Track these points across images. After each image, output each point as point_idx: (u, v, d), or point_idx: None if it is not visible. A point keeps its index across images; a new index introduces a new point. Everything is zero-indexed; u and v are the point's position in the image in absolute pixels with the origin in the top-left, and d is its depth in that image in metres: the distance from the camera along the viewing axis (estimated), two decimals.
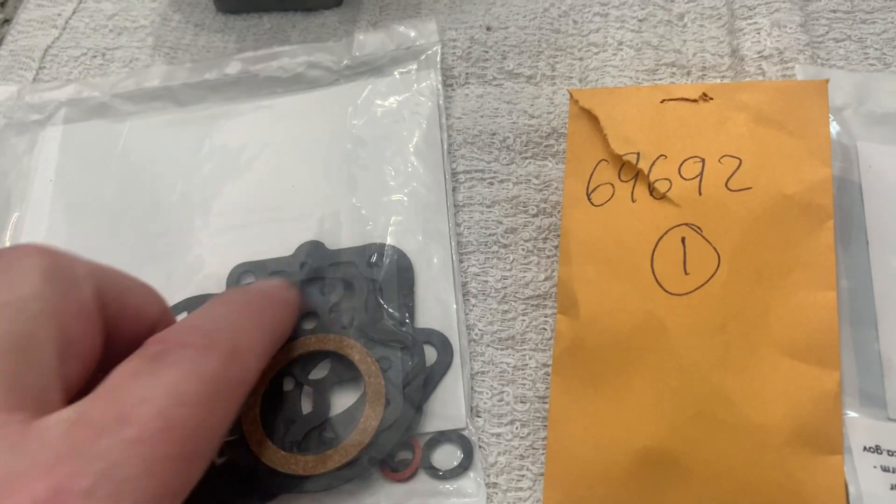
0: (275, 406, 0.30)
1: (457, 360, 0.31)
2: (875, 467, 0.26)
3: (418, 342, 0.31)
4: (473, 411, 0.30)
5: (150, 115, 0.39)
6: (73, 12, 0.44)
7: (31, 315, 0.21)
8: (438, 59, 0.38)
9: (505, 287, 0.33)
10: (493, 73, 0.38)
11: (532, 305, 0.32)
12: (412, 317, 0.32)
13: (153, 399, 0.20)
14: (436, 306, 0.32)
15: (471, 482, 0.29)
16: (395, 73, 0.38)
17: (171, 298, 0.33)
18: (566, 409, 0.29)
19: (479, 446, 0.29)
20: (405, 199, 0.34)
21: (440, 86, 0.37)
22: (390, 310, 0.32)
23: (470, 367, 0.31)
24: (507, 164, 0.35)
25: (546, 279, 0.33)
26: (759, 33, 0.36)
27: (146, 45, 0.42)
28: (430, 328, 0.31)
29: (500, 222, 0.34)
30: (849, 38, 0.36)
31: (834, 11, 0.37)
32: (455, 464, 0.29)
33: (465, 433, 0.29)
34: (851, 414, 0.27)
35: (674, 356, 0.27)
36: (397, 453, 0.29)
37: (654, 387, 0.27)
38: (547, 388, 0.30)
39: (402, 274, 0.32)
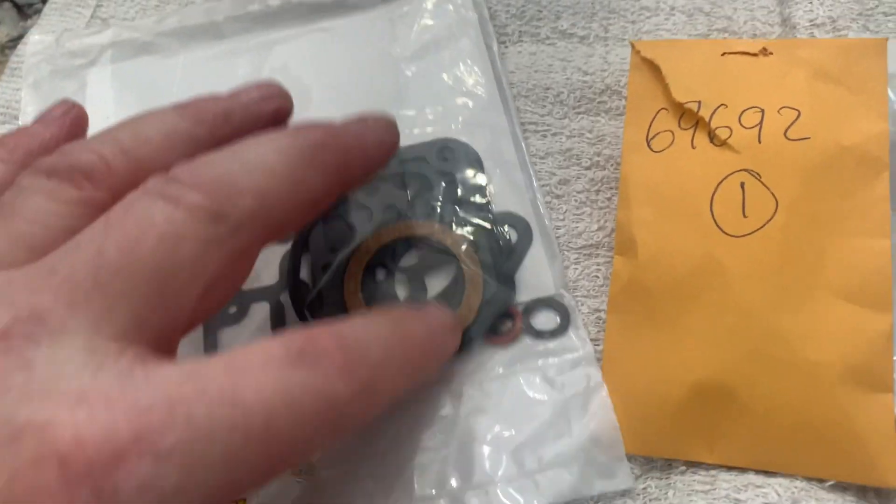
0: (371, 296, 0.32)
1: (538, 234, 0.32)
2: None
3: (500, 224, 0.32)
4: (564, 277, 0.32)
5: (199, 50, 0.40)
6: None
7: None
8: None
9: (558, 237, 0.33)
10: (546, 32, 0.39)
11: (584, 255, 0.33)
12: (489, 202, 0.33)
13: (270, 395, 0.18)
14: (509, 191, 0.34)
15: (573, 339, 0.30)
16: None
17: None
18: (621, 345, 0.29)
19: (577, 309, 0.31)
20: (466, 100, 0.36)
21: None
22: (467, 197, 0.33)
23: (553, 241, 0.33)
24: (561, 119, 0.36)
25: (599, 229, 0.33)
26: (811, 2, 0.37)
27: None
28: (508, 211, 0.33)
29: (554, 174, 0.35)
30: None
31: None
32: (555, 326, 0.31)
33: (560, 299, 0.31)
34: None
35: (731, 295, 0.28)
36: (499, 324, 0.31)
37: (710, 324, 0.28)
38: (599, 332, 0.31)
39: (473, 163, 0.34)
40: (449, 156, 0.34)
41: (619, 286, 0.30)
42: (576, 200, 0.34)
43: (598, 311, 0.32)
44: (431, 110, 0.36)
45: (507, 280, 0.31)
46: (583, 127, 0.36)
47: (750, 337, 0.28)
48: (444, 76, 0.37)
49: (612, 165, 0.35)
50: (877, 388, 0.27)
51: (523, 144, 0.35)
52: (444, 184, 0.34)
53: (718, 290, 0.28)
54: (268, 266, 0.33)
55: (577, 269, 0.33)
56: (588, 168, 0.35)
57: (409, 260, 0.33)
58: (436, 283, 0.32)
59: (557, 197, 0.34)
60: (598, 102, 0.36)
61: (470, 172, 0.34)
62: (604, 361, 0.29)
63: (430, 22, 0.39)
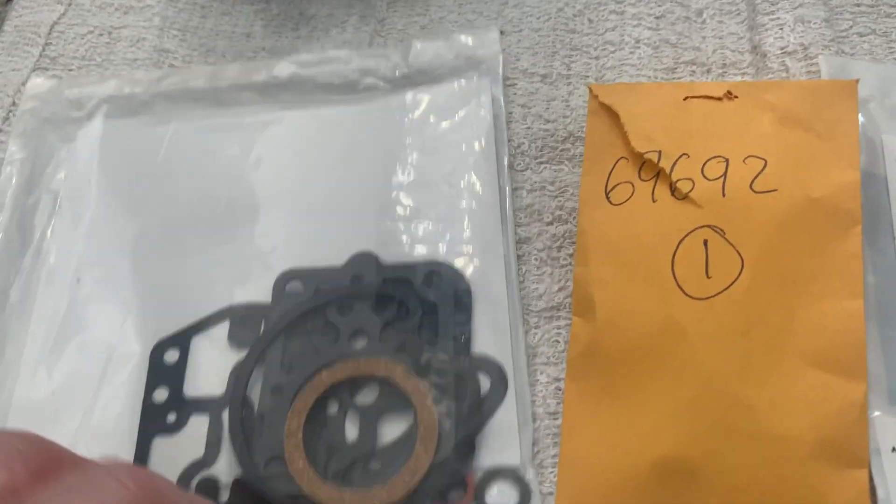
0: (318, 431, 0.28)
1: (512, 391, 0.29)
2: None
3: (473, 371, 0.29)
4: (533, 449, 0.28)
5: (194, 118, 0.37)
6: None
7: None
8: (500, 69, 0.36)
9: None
10: (506, 71, 0.37)
11: (545, 318, 0.31)
12: (468, 343, 0.30)
13: None
14: (492, 332, 0.30)
15: None
16: (454, 83, 0.36)
17: (214, 305, 0.32)
18: (580, 416, 0.28)
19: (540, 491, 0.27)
20: (463, 216, 0.32)
21: (502, 98, 0.35)
22: (445, 335, 0.30)
23: (530, 400, 0.29)
24: (522, 171, 0.34)
25: (560, 290, 0.31)
26: (781, 29, 0.35)
27: (153, 24, 0.41)
28: (486, 355, 0.29)
29: (514, 233, 0.33)
30: (873, 31, 0.35)
31: (858, 5, 0.36)
32: None
33: (523, 474, 0.27)
34: (878, 414, 0.26)
35: (693, 362, 0.26)
36: (449, 492, 0.27)
37: (672, 394, 0.26)
38: (558, 404, 0.29)
39: (460, 296, 0.30)
40: (436, 282, 0.31)
41: (578, 350, 0.28)
42: (536, 259, 0.32)
43: (557, 379, 0.30)
44: (422, 220, 0.33)
45: (467, 441, 0.28)
46: (545, 178, 0.34)
47: (714, 408, 0.26)
48: (443, 183, 0.33)
49: (574, 218, 0.33)
50: (850, 463, 0.25)
51: (517, 278, 0.31)
52: (423, 314, 0.30)
53: (680, 357, 0.27)
54: (218, 373, 0.30)
55: (536, 333, 0.31)
56: (550, 223, 0.33)
57: (365, 397, 0.29)
58: (390, 430, 0.28)
59: (518, 257, 0.32)
60: (561, 150, 0.34)
61: (454, 306, 0.30)
62: (563, 433, 0.28)
63: (438, 120, 0.35)
